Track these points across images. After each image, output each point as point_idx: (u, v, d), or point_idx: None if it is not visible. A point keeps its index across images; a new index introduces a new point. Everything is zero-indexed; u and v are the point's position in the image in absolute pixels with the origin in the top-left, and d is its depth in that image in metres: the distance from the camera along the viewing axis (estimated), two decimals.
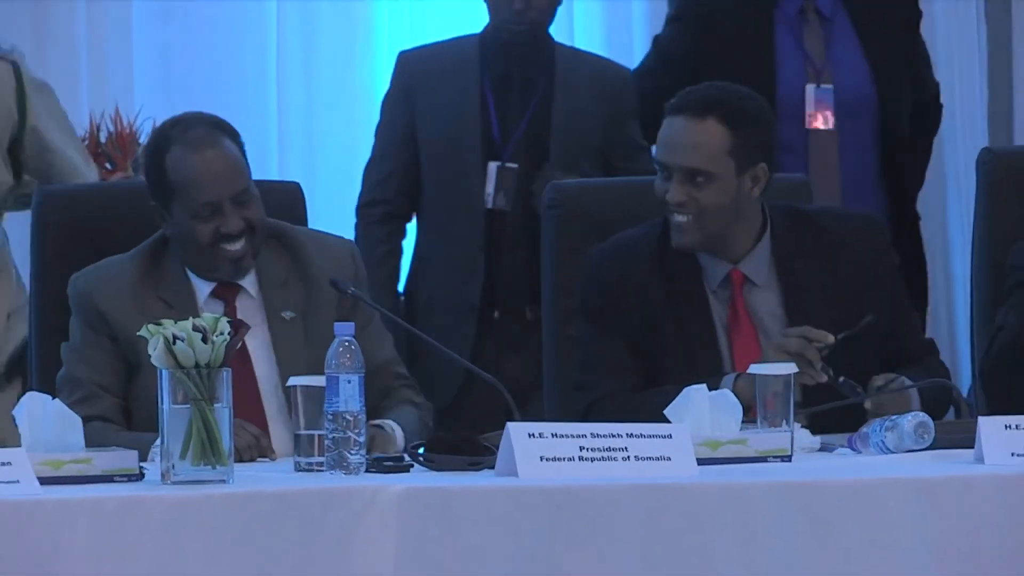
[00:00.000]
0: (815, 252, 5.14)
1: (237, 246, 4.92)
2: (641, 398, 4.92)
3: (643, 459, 4.14)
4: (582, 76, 6.39)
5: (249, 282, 4.84)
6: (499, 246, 6.26)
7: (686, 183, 4.94)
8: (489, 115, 6.39)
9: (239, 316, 4.88)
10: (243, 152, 5.17)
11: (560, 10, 6.78)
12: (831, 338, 4.86)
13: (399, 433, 4.64)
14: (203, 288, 4.91)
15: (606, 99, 6.37)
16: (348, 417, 4.16)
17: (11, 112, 6.03)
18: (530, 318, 6.21)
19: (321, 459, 4.20)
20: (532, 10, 6.25)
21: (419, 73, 6.43)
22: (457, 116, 6.41)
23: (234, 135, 5.16)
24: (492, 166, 6.30)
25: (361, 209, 6.48)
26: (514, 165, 6.30)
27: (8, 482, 4.04)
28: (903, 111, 6.68)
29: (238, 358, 4.70)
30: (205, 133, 5.06)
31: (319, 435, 4.22)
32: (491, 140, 6.35)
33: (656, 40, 6.64)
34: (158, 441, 4.30)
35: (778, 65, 6.56)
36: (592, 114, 6.35)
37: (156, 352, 4.05)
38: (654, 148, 5.49)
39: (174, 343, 4.03)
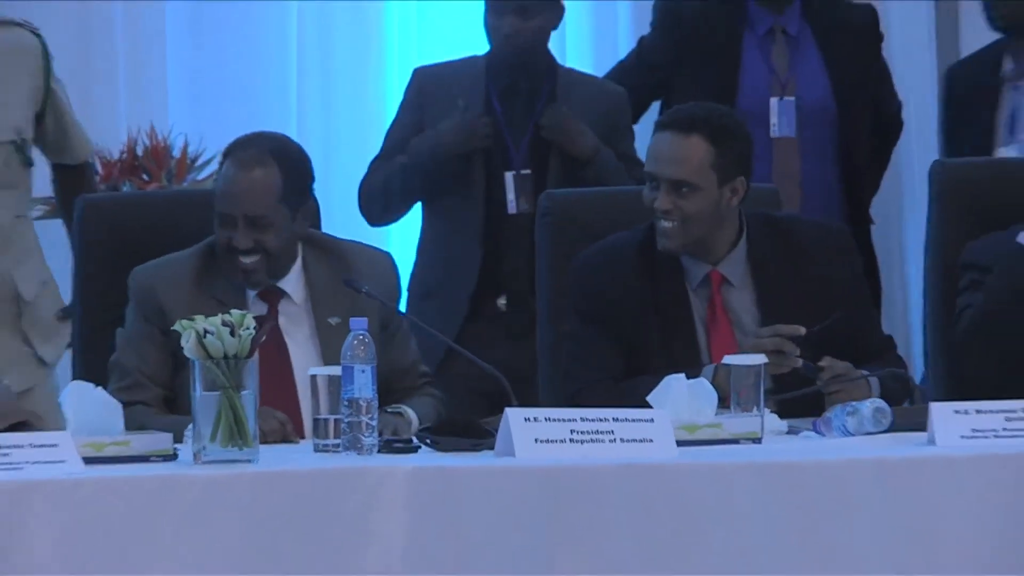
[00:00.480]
0: (786, 256, 5.19)
1: (247, 260, 4.95)
2: (625, 386, 4.95)
3: (628, 441, 4.17)
4: (581, 93, 6.37)
5: (294, 288, 4.88)
6: (518, 246, 6.14)
7: (672, 193, 5.00)
8: (499, 124, 6.35)
9: (281, 320, 4.97)
10: (298, 183, 5.10)
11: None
12: (802, 330, 4.90)
13: (414, 419, 4.69)
14: (251, 290, 4.94)
15: (603, 116, 6.35)
16: (362, 403, 4.17)
17: (40, 77, 5.93)
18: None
19: (338, 441, 4.22)
20: (521, 36, 6.25)
21: (432, 86, 6.39)
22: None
23: (286, 163, 5.09)
24: (508, 176, 6.29)
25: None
26: (528, 171, 6.28)
27: (55, 462, 4.09)
28: (861, 124, 6.70)
29: (277, 358, 4.88)
30: (251, 155, 5.05)
31: (335, 419, 4.23)
32: (504, 147, 6.33)
33: (640, 40, 6.66)
34: (191, 425, 4.31)
35: (745, 78, 6.57)
36: (591, 127, 6.34)
37: (188, 344, 4.09)
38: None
39: (205, 336, 4.07)
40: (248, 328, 4.08)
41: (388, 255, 5.28)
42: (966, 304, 5.36)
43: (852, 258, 5.32)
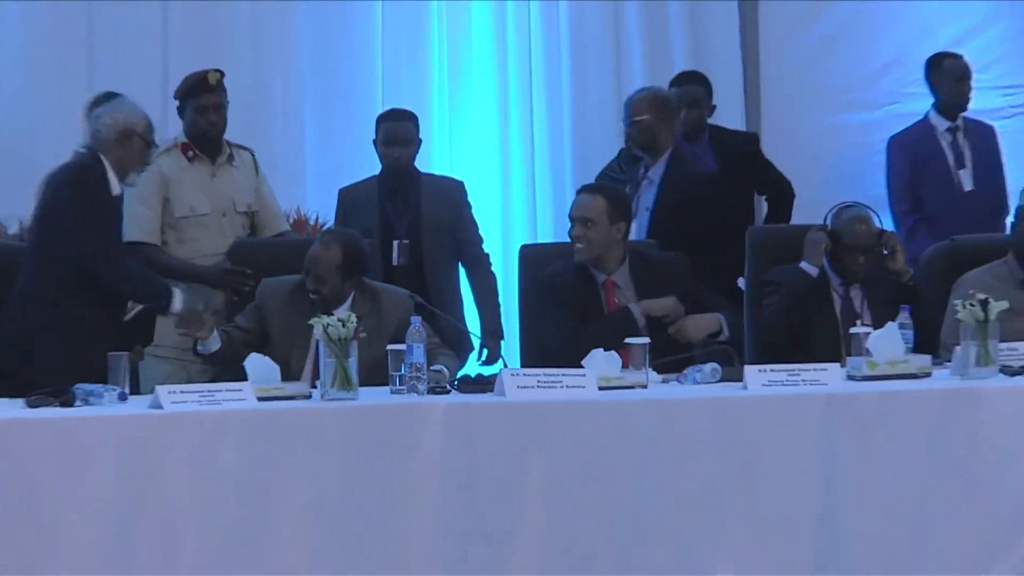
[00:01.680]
0: (651, 271, 5.88)
1: (312, 296, 5.37)
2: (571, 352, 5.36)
3: (570, 387, 4.88)
4: (433, 187, 6.43)
5: (342, 312, 5.08)
6: (400, 281, 6.06)
7: (582, 226, 5.75)
8: (389, 214, 6.40)
9: None
10: (353, 264, 5.34)
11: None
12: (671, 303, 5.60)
13: (447, 372, 5.11)
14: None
15: (449, 204, 6.41)
16: (417, 365, 4.77)
17: (256, 187, 6.23)
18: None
19: (403, 387, 4.80)
20: (403, 159, 6.37)
21: (350, 196, 6.44)
22: (368, 215, 6.33)
23: (348, 249, 5.35)
24: (395, 243, 6.35)
25: None
26: (407, 241, 6.35)
27: (241, 400, 4.69)
28: (746, 197, 6.88)
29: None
30: (328, 238, 5.48)
31: (401, 375, 4.80)
32: (392, 227, 6.36)
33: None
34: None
35: None
36: (443, 209, 6.38)
37: (318, 330, 4.67)
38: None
39: (328, 327, 4.67)
40: (351, 322, 4.67)
41: (408, 292, 5.58)
42: (767, 304, 5.97)
43: (687, 272, 5.88)
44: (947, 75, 6.91)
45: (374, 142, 6.45)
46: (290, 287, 5.51)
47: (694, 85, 6.84)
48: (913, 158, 6.89)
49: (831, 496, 4.90)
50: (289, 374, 5.08)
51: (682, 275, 5.89)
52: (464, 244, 6.44)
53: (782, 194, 6.92)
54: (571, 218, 5.77)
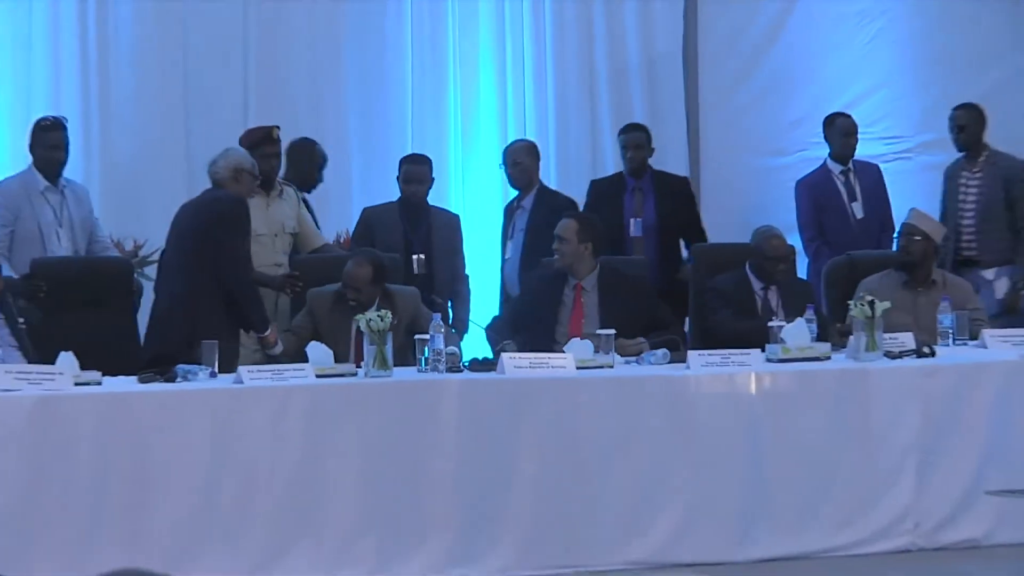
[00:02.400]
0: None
1: (351, 302, 5.62)
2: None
3: (555, 367, 5.11)
4: (442, 219, 6.64)
5: (372, 311, 5.13)
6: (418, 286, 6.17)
7: (559, 242, 5.98)
8: (408, 236, 6.53)
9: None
10: (379, 278, 5.58)
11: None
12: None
13: (459, 353, 5.21)
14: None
15: (452, 229, 6.61)
16: (438, 350, 5.06)
17: (298, 213, 6.39)
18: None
19: (427, 367, 5.04)
20: (418, 194, 6.58)
21: (374, 215, 6.60)
22: (392, 235, 6.48)
23: (377, 267, 5.61)
24: (415, 257, 6.45)
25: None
26: (423, 255, 6.47)
27: (304, 377, 4.96)
28: (676, 236, 6.97)
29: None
30: (360, 258, 5.72)
31: (426, 358, 5.06)
32: (410, 243, 6.51)
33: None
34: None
35: (625, 211, 6.89)
36: (447, 234, 6.57)
37: (362, 323, 4.97)
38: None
39: (370, 320, 4.98)
40: (387, 318, 5.00)
41: (415, 290, 5.85)
42: (710, 306, 6.23)
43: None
44: (838, 131, 7.03)
45: (397, 178, 6.70)
46: (333, 295, 5.80)
47: (639, 132, 7.00)
48: (816, 195, 7.01)
49: (755, 450, 5.12)
50: (337, 359, 5.28)
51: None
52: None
53: (697, 233, 6.98)
54: (554, 236, 6.09)
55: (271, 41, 7.21)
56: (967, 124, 6.87)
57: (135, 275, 6.18)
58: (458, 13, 7.50)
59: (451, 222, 6.76)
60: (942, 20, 7.68)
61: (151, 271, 6.39)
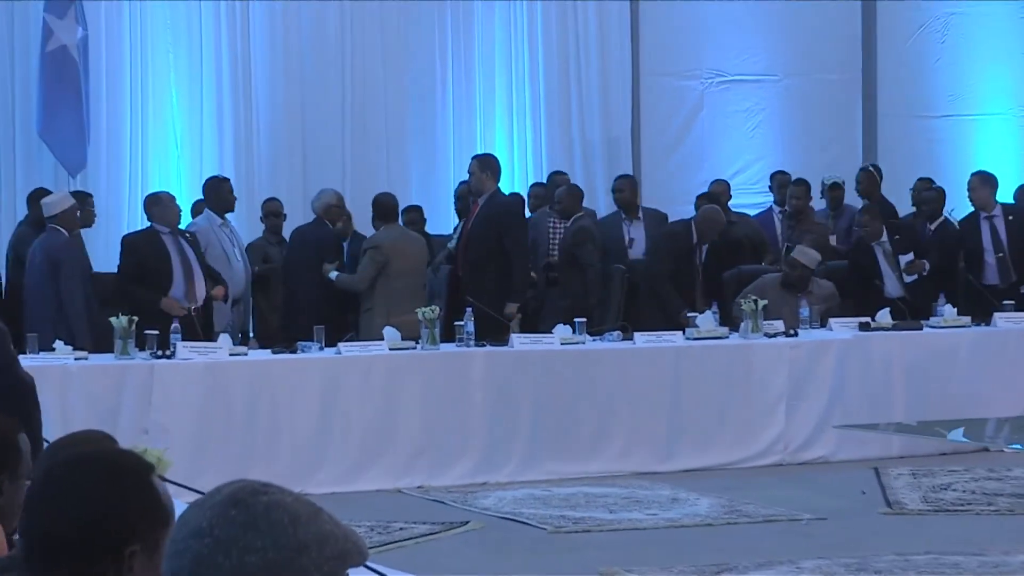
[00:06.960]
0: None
1: None
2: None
3: (546, 343, 6.09)
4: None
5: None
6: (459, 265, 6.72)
7: None
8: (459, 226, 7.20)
9: None
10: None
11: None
12: None
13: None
14: None
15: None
16: (468, 329, 6.05)
17: None
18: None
19: (462, 343, 6.04)
20: (472, 186, 7.09)
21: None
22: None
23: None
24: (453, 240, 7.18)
25: None
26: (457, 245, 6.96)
27: (382, 349, 5.93)
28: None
29: None
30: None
31: (461, 337, 6.08)
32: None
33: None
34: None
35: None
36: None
37: (420, 314, 5.95)
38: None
39: (424, 312, 5.98)
40: (436, 311, 6.02)
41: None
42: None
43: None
44: (777, 185, 8.14)
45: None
46: None
47: (629, 179, 7.94)
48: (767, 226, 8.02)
49: (676, 399, 6.11)
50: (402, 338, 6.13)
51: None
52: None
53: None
54: None
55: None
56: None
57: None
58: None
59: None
60: (803, 114, 8.99)
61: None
